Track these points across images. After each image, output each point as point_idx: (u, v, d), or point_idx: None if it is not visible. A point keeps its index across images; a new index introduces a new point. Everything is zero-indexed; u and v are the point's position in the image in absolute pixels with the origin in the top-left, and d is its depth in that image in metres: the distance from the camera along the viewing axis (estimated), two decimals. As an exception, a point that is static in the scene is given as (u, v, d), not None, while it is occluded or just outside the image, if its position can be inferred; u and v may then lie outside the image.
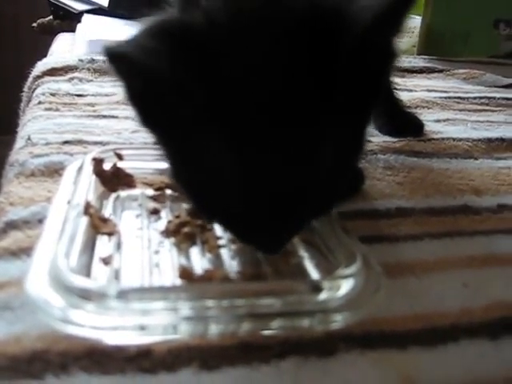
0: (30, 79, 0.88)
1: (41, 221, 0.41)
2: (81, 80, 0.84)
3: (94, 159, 0.44)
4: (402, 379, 0.30)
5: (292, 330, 0.30)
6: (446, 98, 0.92)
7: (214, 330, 0.29)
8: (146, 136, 0.59)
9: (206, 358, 0.29)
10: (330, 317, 0.30)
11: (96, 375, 0.27)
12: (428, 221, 0.49)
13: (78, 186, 0.40)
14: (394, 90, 0.69)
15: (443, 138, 0.70)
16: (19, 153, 0.55)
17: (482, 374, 0.32)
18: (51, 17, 1.55)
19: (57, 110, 0.70)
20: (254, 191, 0.32)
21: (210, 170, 0.32)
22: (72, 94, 0.77)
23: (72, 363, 0.28)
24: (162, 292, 0.29)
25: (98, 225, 0.37)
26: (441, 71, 1.15)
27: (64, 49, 1.16)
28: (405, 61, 1.17)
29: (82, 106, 0.72)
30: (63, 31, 1.44)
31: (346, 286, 0.31)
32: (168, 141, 0.35)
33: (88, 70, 0.89)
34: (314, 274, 0.34)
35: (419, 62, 1.21)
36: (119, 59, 0.32)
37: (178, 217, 0.40)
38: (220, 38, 0.32)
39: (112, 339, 0.28)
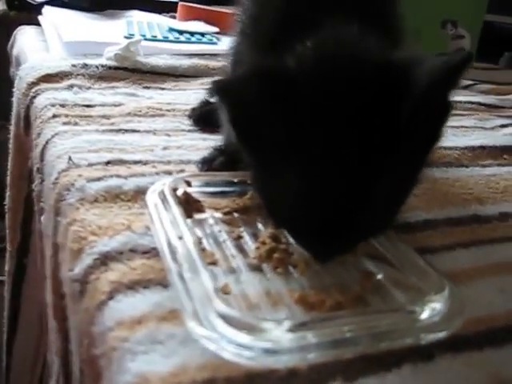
0: (24, 85, 0.88)
1: (133, 251, 0.45)
2: (80, 88, 0.86)
3: (174, 189, 0.48)
4: (490, 377, 0.37)
5: (401, 345, 0.36)
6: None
7: (346, 350, 0.34)
8: (179, 153, 0.64)
9: (345, 372, 0.34)
10: (429, 334, 0.36)
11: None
12: (452, 231, 0.57)
13: (176, 221, 0.44)
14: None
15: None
16: (68, 176, 0.57)
17: None
18: (5, 7, 1.50)
19: (76, 124, 0.72)
20: (317, 208, 0.39)
21: (286, 187, 0.40)
22: (81, 105, 0.79)
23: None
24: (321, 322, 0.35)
25: (205, 257, 0.42)
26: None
27: (35, 46, 1.14)
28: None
29: (98, 119, 0.74)
30: (21, 24, 1.41)
31: (437, 308, 0.37)
32: (257, 159, 0.42)
33: (83, 75, 0.90)
34: (404, 298, 0.40)
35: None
36: (230, 95, 0.39)
37: (264, 243, 0.45)
38: (306, 85, 0.39)
39: (264, 363, 0.34)
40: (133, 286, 0.41)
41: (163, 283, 0.42)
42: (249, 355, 0.33)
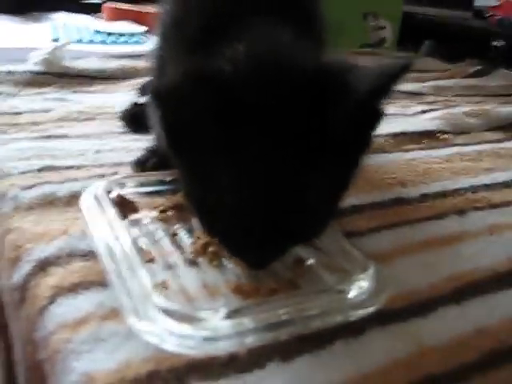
0: None
1: (71, 255, 0.46)
2: (7, 94, 0.85)
3: (108, 191, 0.49)
4: (414, 344, 0.40)
5: (333, 323, 0.39)
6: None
7: (282, 332, 0.37)
8: (111, 156, 0.65)
9: (282, 353, 0.37)
10: (357, 311, 0.39)
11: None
12: (377, 214, 0.60)
13: (111, 223, 0.45)
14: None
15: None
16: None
17: (460, 332, 0.43)
18: None
19: (4, 132, 0.71)
20: (249, 216, 0.39)
21: (216, 194, 0.39)
22: (9, 113, 0.78)
23: (184, 376, 0.35)
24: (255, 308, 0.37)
25: (142, 255, 0.43)
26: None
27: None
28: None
29: (27, 126, 0.74)
30: None
31: (363, 286, 0.41)
32: (187, 165, 0.41)
33: (9, 82, 0.89)
34: (333, 279, 0.43)
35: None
36: (164, 97, 0.38)
37: (199, 237, 0.47)
38: (240, 89, 0.38)
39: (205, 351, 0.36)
40: (73, 288, 0.42)
41: (103, 284, 0.43)
42: (190, 345, 0.35)
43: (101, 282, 0.43)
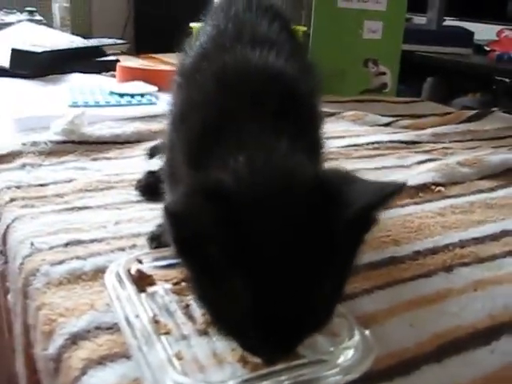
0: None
1: (98, 328, 0.53)
2: (32, 166, 0.93)
3: (129, 270, 0.56)
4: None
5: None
6: (345, 146, 1.12)
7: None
8: (129, 226, 0.72)
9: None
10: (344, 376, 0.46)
11: None
12: (371, 275, 0.66)
13: (131, 299, 0.52)
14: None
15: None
16: (32, 261, 0.65)
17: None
18: None
19: (32, 206, 0.79)
20: (265, 317, 0.41)
21: (229, 298, 0.42)
22: (35, 185, 0.86)
23: None
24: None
25: (158, 328, 0.50)
26: (332, 114, 1.35)
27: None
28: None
29: (52, 198, 0.82)
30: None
31: (350, 353, 0.47)
32: (197, 271, 0.44)
33: (33, 153, 0.97)
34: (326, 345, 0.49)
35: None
36: (173, 216, 0.41)
37: (209, 309, 0.53)
38: (245, 205, 0.42)
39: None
40: (101, 361, 0.49)
41: (126, 355, 0.49)
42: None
43: (124, 354, 0.49)
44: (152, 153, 0.92)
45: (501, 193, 0.96)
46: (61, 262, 0.63)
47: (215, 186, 0.42)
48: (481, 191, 0.96)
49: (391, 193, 0.43)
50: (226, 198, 0.41)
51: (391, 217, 0.82)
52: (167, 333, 0.51)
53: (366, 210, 0.43)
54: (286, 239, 0.41)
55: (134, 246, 0.67)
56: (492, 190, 0.97)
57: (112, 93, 1.33)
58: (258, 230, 0.41)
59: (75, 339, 0.51)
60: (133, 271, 0.58)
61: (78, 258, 0.64)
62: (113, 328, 0.53)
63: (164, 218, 0.41)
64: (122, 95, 1.32)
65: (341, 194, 0.43)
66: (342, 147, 1.11)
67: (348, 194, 0.43)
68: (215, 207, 0.40)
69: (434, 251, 0.73)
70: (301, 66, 0.62)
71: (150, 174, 0.85)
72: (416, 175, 0.98)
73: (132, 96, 1.32)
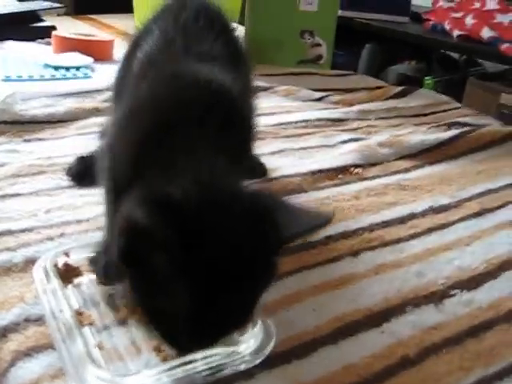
0: None
1: (26, 321, 0.57)
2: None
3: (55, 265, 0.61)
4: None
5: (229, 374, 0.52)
6: (275, 125, 1.17)
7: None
8: (60, 214, 0.76)
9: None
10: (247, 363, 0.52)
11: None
12: (284, 260, 0.70)
13: (57, 293, 0.57)
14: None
15: (281, 176, 0.94)
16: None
17: (330, 370, 0.56)
18: None
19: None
20: (199, 321, 0.46)
21: (168, 304, 0.46)
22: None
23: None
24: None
25: (82, 320, 0.55)
26: (266, 89, 1.39)
27: None
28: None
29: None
30: None
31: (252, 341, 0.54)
32: (140, 282, 0.48)
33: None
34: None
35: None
36: (131, 229, 0.45)
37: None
38: (191, 218, 0.45)
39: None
40: (29, 352, 0.54)
41: (53, 346, 0.54)
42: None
43: (51, 345, 0.54)
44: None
45: (415, 174, 1.04)
46: (-11, 254, 0.66)
47: (165, 201, 0.45)
48: (397, 172, 1.03)
49: (319, 225, 0.48)
50: (175, 212, 0.44)
51: (309, 199, 0.89)
52: (91, 323, 0.56)
53: (296, 237, 0.48)
54: (225, 254, 0.45)
55: (62, 235, 0.71)
56: (407, 170, 1.05)
57: (47, 65, 1.33)
58: (200, 244, 0.44)
59: (5, 332, 0.56)
60: (60, 264, 0.62)
61: (8, 249, 0.68)
62: (41, 319, 0.58)
63: (118, 229, 0.45)
64: (56, 68, 1.32)
65: (276, 219, 0.47)
66: (272, 126, 1.16)
67: (283, 220, 0.47)
68: (166, 220, 0.43)
69: (344, 235, 0.80)
70: (242, 80, 0.66)
71: (81, 159, 0.88)
72: (338, 156, 1.05)
73: (67, 69, 1.32)
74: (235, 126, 0.57)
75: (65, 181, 0.86)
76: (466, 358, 0.60)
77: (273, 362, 0.56)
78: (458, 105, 1.47)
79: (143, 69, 0.65)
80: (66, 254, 0.64)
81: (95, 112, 1.12)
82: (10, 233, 0.71)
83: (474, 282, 0.73)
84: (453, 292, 0.70)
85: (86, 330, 0.55)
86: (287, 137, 1.14)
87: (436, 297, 0.69)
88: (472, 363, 0.59)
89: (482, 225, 0.88)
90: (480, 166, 1.10)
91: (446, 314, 0.66)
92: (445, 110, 1.42)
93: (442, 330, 0.64)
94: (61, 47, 1.44)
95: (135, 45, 0.74)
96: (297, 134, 1.15)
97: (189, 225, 0.44)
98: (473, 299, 0.69)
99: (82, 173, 0.85)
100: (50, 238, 0.71)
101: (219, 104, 0.56)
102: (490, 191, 1.00)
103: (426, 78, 2.26)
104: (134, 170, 0.53)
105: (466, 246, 0.81)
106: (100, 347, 0.54)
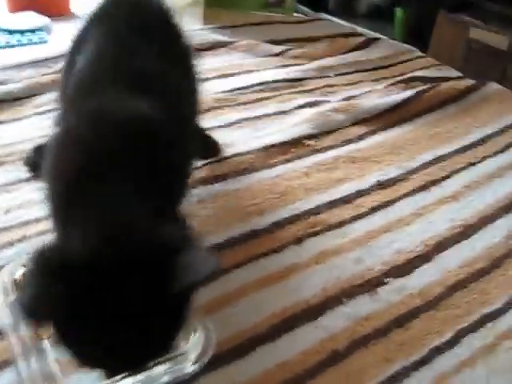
0: None
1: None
2: None
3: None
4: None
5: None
6: (230, 90, 1.18)
7: None
8: (19, 214, 0.79)
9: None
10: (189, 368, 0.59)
11: None
12: (231, 253, 0.77)
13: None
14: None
15: (233, 155, 0.97)
16: None
17: (265, 368, 0.62)
18: None
19: None
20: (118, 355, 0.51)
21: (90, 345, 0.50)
22: None
23: None
24: None
25: (40, 333, 0.61)
26: (225, 45, 1.38)
27: None
28: (194, 35, 1.36)
29: None
30: None
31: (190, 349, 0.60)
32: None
33: None
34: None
35: (207, 34, 1.43)
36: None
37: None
38: (84, 273, 0.49)
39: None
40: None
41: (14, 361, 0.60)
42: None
43: (12, 360, 0.60)
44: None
45: (367, 142, 1.07)
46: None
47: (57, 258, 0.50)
48: (349, 141, 1.06)
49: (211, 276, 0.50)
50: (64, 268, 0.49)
51: (261, 180, 0.92)
52: (49, 337, 0.62)
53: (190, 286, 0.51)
54: (126, 301, 0.49)
55: (23, 239, 0.75)
56: (360, 138, 1.08)
57: (1, 29, 1.30)
58: (102, 296, 0.49)
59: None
60: (18, 276, 0.67)
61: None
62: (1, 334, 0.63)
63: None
64: (11, 32, 1.30)
65: (174, 267, 0.49)
66: (229, 91, 1.17)
67: (180, 268, 0.49)
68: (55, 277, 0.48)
69: (291, 221, 0.84)
70: (180, 92, 0.67)
71: (39, 149, 0.89)
72: (292, 127, 1.07)
73: (22, 33, 1.30)
74: (159, 169, 0.58)
75: (23, 173, 0.88)
76: (390, 349, 0.66)
77: (215, 363, 0.62)
78: (420, 54, 1.48)
79: (77, 89, 0.65)
80: (24, 266, 0.68)
81: (51, 85, 1.11)
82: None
83: (408, 266, 0.78)
84: (387, 280, 0.76)
85: (46, 343, 0.61)
86: (244, 104, 1.15)
87: (371, 285, 0.75)
88: (395, 354, 0.66)
89: (426, 199, 0.92)
90: (433, 129, 1.13)
91: (380, 303, 0.72)
92: (406, 61, 1.42)
93: (374, 320, 0.70)
94: (15, 6, 1.40)
95: (77, 47, 0.74)
96: (253, 101, 1.16)
97: (77, 279, 0.48)
98: (405, 286, 0.75)
99: (40, 163, 0.86)
100: (10, 244, 0.74)
101: (141, 148, 0.57)
102: (438, 159, 1.04)
103: (397, 8, 2.23)
104: (58, 207, 0.58)
105: (406, 225, 0.86)
106: (58, 361, 0.59)
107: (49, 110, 1.02)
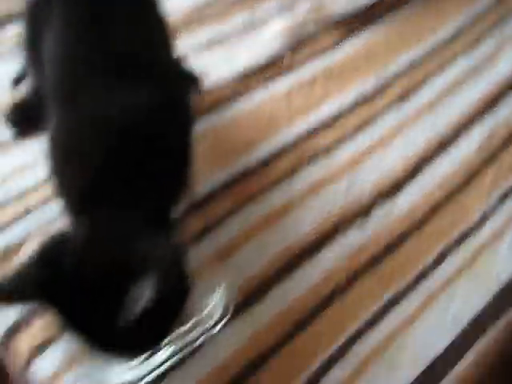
0: None
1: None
2: None
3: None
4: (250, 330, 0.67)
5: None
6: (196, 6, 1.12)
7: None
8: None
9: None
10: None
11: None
12: (227, 198, 0.79)
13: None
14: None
15: (210, 87, 0.94)
16: None
17: (277, 311, 0.69)
18: None
19: None
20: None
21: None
22: None
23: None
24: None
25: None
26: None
27: None
28: None
29: None
30: None
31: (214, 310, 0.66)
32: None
33: None
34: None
35: None
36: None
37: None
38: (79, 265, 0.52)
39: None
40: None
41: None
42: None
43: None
44: (17, 80, 0.90)
45: (341, 52, 1.05)
46: None
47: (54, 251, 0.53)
48: (324, 50, 1.05)
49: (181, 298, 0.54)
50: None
51: (242, 112, 0.92)
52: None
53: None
54: (114, 302, 0.51)
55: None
56: (336, 44, 1.06)
57: None
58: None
59: None
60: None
61: None
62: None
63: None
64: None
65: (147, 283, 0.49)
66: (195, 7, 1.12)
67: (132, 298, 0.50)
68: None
69: (278, 155, 0.86)
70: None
71: (20, 105, 0.87)
72: (266, 45, 1.04)
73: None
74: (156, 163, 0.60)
75: (4, 136, 0.86)
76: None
77: (232, 316, 0.67)
78: None
79: (60, 80, 0.65)
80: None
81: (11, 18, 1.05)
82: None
83: (393, 190, 0.83)
84: (375, 206, 0.81)
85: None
86: (212, 17, 1.10)
87: (362, 213, 0.80)
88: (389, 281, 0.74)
89: (403, 113, 0.95)
90: (404, 28, 1.12)
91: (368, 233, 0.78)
92: None
93: (366, 251, 0.76)
94: None
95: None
96: (223, 13, 1.11)
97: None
98: (392, 210, 0.81)
99: (24, 117, 0.85)
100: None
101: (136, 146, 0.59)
102: (413, 65, 1.04)
103: None
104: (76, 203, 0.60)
105: (388, 145, 0.90)
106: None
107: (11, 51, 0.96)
